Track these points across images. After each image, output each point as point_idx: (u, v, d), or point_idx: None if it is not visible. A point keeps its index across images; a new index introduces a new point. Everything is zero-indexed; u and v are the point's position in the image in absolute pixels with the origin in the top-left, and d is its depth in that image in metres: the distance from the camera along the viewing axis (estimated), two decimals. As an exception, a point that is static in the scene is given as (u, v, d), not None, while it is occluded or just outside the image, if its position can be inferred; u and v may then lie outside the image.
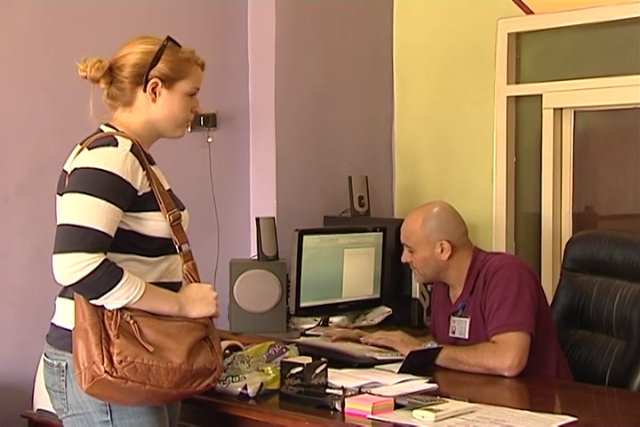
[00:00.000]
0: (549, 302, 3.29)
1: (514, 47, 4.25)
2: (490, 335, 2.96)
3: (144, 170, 2.42)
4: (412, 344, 3.05)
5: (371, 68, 4.58)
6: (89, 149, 2.39)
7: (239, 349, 2.93)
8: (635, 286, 3.16)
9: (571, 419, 2.41)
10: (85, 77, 2.49)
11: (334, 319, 3.83)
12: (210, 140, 4.10)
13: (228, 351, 2.83)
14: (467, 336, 3.09)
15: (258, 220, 3.82)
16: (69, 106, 3.62)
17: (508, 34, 4.22)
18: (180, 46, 2.54)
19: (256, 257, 3.82)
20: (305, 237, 3.70)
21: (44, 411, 3.15)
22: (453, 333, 3.14)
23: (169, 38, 2.52)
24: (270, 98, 4.19)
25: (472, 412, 2.45)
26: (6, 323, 3.55)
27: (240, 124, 4.23)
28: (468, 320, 3.08)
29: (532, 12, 4.16)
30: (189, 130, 3.98)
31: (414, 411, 2.41)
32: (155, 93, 2.50)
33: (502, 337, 2.92)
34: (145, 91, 2.50)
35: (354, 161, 4.47)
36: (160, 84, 2.50)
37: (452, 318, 3.15)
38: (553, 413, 2.47)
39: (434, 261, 3.14)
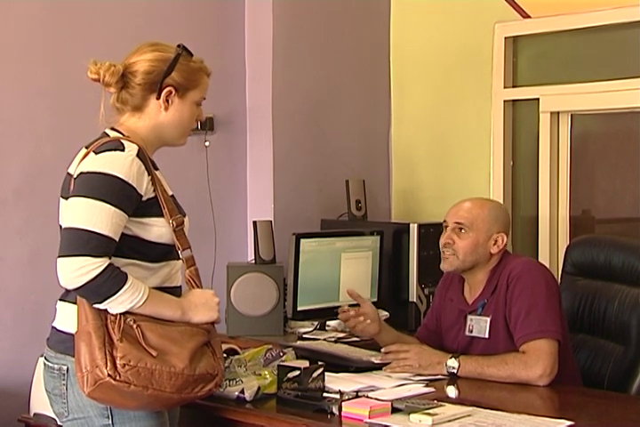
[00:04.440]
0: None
1: (511, 51, 4.25)
2: (519, 343, 2.90)
3: (149, 175, 2.42)
4: (431, 365, 2.92)
5: (368, 71, 4.58)
6: (95, 153, 2.39)
7: (236, 352, 2.92)
8: (634, 290, 3.16)
9: (568, 423, 2.40)
10: (96, 80, 2.48)
11: (331, 323, 3.82)
12: (207, 143, 4.10)
13: (225, 355, 2.82)
14: (487, 335, 3.02)
15: (255, 223, 3.82)
16: (67, 109, 3.63)
17: (505, 38, 4.22)
18: (191, 55, 2.54)
19: (253, 261, 3.83)
20: (302, 241, 3.70)
21: (41, 415, 3.14)
22: (470, 331, 3.06)
23: (183, 47, 2.52)
24: (268, 101, 4.19)
25: (469, 416, 2.45)
26: (3, 326, 3.55)
27: (237, 128, 4.23)
28: (488, 319, 3.01)
29: (529, 16, 4.17)
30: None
31: (411, 415, 2.41)
32: (167, 101, 2.51)
33: (533, 345, 2.87)
34: (158, 98, 2.50)
35: (351, 165, 4.47)
36: (174, 92, 2.51)
37: (470, 317, 3.07)
38: (550, 417, 2.46)
39: (482, 249, 3.05)
